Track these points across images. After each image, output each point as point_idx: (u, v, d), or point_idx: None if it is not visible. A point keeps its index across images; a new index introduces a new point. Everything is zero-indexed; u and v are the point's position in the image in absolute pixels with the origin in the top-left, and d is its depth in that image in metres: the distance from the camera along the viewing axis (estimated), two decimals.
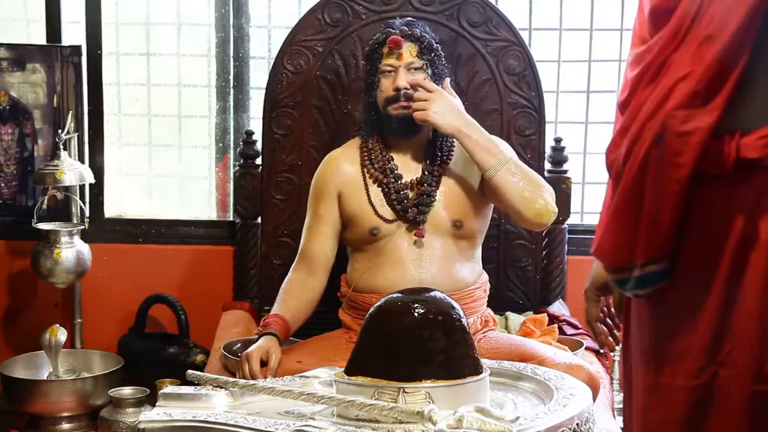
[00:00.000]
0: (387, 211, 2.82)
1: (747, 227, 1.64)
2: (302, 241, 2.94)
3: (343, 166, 2.89)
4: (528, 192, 2.75)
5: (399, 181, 2.83)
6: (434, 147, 2.86)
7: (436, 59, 2.85)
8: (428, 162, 2.85)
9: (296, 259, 2.94)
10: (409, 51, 2.80)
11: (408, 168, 2.86)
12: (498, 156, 2.73)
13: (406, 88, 2.78)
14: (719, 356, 1.66)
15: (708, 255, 1.68)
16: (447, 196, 2.83)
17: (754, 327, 1.62)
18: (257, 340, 2.74)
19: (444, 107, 2.74)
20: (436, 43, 2.87)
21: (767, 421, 1.59)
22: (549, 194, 2.80)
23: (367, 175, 2.86)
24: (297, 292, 2.86)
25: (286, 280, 2.92)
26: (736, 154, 1.63)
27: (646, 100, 1.70)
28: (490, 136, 2.79)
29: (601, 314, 1.95)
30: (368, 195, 2.84)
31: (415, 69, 2.80)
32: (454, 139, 2.83)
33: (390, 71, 2.81)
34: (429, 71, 2.82)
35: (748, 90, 1.64)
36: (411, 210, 2.80)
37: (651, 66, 1.72)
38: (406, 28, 2.82)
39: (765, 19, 1.61)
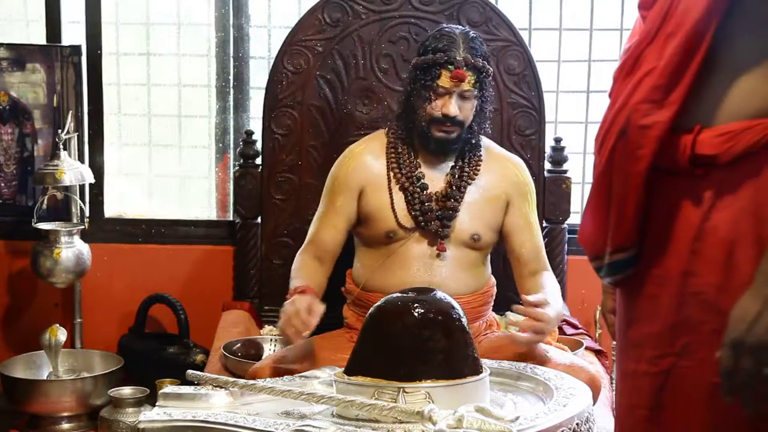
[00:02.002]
0: (407, 219, 2.81)
1: (704, 222, 1.66)
2: (313, 228, 2.91)
3: (368, 163, 2.87)
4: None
5: (425, 192, 2.81)
6: (462, 161, 2.85)
7: (488, 87, 2.82)
8: (455, 176, 2.83)
9: (305, 244, 2.91)
10: (468, 80, 2.74)
11: (433, 178, 2.84)
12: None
13: (456, 116, 2.74)
14: (676, 347, 1.68)
15: (667, 247, 1.70)
16: (468, 210, 2.82)
17: (711, 321, 1.62)
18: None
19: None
20: (490, 63, 2.82)
21: (727, 413, 1.59)
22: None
23: (393, 179, 2.84)
24: (313, 275, 2.82)
25: (298, 261, 2.88)
26: (692, 151, 1.65)
27: (620, 93, 1.74)
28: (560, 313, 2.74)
29: (616, 306, 1.97)
30: (391, 198, 2.83)
31: (467, 97, 2.76)
32: (480, 153, 2.85)
33: (444, 93, 2.75)
34: (479, 98, 2.79)
35: (708, 86, 1.65)
36: (434, 222, 2.79)
37: (628, 60, 1.76)
38: (470, 57, 2.74)
39: (725, 16, 1.62)
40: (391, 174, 2.85)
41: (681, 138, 1.66)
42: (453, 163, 2.85)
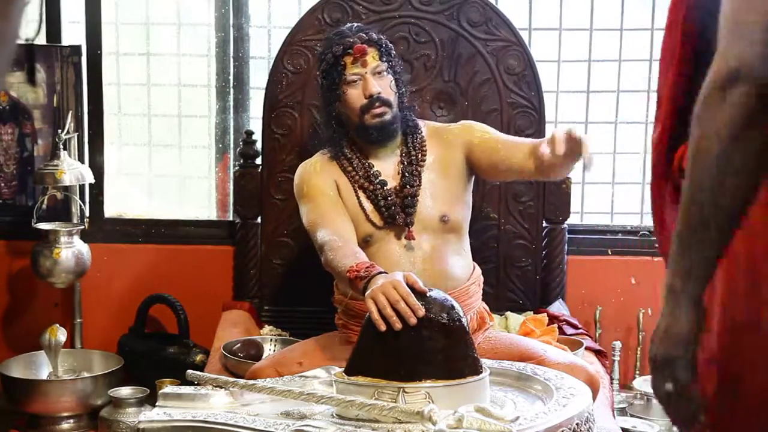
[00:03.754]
0: (376, 217, 2.81)
1: None
2: (320, 230, 2.69)
3: (329, 170, 2.86)
4: None
5: (385, 188, 2.82)
6: (407, 147, 2.86)
7: (395, 60, 2.85)
8: (406, 163, 2.84)
9: (325, 244, 2.63)
10: (371, 56, 2.79)
11: (388, 173, 2.85)
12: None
13: (379, 93, 2.76)
14: None
15: None
16: (429, 193, 2.82)
17: None
18: (365, 284, 2.35)
19: None
20: (385, 38, 2.87)
21: None
22: None
23: (354, 182, 2.84)
24: (355, 249, 2.60)
25: (334, 250, 2.57)
26: (679, 164, 1.66)
27: None
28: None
29: None
30: (359, 201, 2.83)
31: (380, 72, 2.79)
32: (422, 133, 2.86)
33: (357, 80, 2.78)
34: (391, 73, 2.82)
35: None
36: (399, 215, 2.79)
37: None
38: (363, 35, 2.80)
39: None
40: (350, 178, 2.84)
41: (676, 154, 1.68)
42: (399, 152, 2.86)
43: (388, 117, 2.79)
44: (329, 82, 2.82)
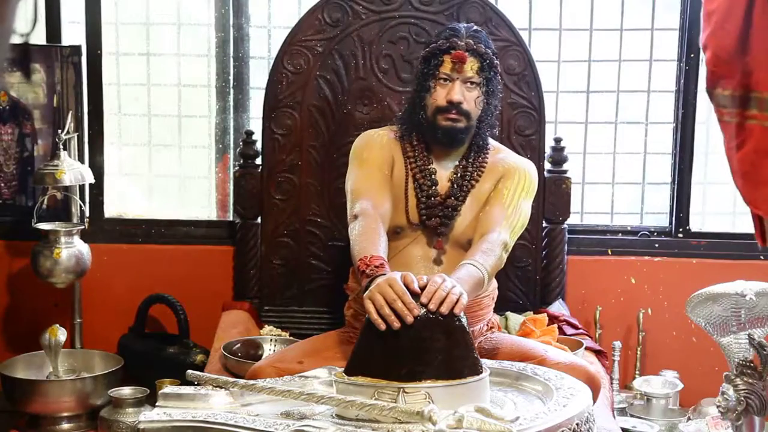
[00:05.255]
0: (414, 214, 2.80)
1: None
2: (361, 200, 2.68)
3: (392, 147, 2.85)
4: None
5: (434, 187, 2.80)
6: (467, 161, 2.83)
7: (493, 77, 2.80)
8: (458, 175, 2.82)
9: (360, 215, 2.62)
10: (470, 66, 2.75)
11: (442, 176, 2.83)
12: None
13: (459, 103, 2.74)
14: None
15: None
16: (468, 214, 2.80)
17: None
18: (369, 282, 2.32)
19: None
20: (497, 57, 2.82)
21: None
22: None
23: (409, 171, 2.83)
24: (383, 245, 2.54)
25: (362, 227, 2.57)
26: None
27: None
28: (472, 279, 2.50)
29: None
30: (406, 189, 2.81)
31: (472, 84, 2.76)
32: (487, 156, 2.83)
33: (446, 80, 2.76)
34: (483, 88, 2.78)
35: None
36: (434, 219, 2.78)
37: None
38: (472, 42, 2.76)
39: None
40: (408, 164, 2.83)
41: None
42: (457, 163, 2.84)
43: (460, 125, 2.76)
44: (424, 70, 2.80)
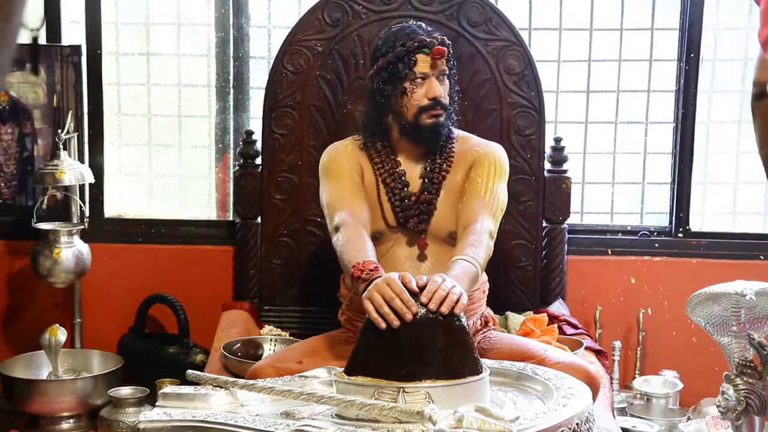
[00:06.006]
0: (391, 217, 2.80)
1: None
2: (339, 212, 2.69)
3: (358, 157, 2.84)
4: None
5: (406, 189, 2.80)
6: (435, 154, 2.83)
7: (454, 65, 2.82)
8: (429, 170, 2.82)
9: (341, 226, 2.64)
10: (442, 59, 2.75)
11: (412, 175, 2.83)
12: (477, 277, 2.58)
13: (441, 97, 2.73)
14: None
15: None
16: (444, 206, 2.80)
17: None
18: (366, 285, 2.33)
19: None
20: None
21: None
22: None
23: (377, 173, 2.83)
24: (370, 249, 2.56)
25: (345, 235, 2.59)
26: None
27: None
28: (468, 275, 2.50)
29: None
30: (378, 195, 2.81)
31: (442, 76, 2.75)
32: (454, 146, 2.82)
33: (422, 79, 2.74)
34: (450, 78, 2.78)
35: None
36: (412, 219, 2.78)
37: None
38: (438, 36, 2.75)
39: None
40: (376, 170, 2.83)
41: None
42: (426, 158, 2.83)
43: (442, 120, 2.76)
44: (392, 75, 2.75)
